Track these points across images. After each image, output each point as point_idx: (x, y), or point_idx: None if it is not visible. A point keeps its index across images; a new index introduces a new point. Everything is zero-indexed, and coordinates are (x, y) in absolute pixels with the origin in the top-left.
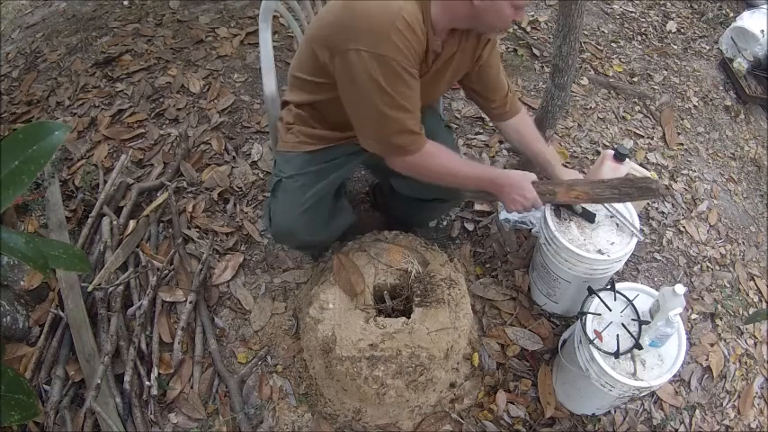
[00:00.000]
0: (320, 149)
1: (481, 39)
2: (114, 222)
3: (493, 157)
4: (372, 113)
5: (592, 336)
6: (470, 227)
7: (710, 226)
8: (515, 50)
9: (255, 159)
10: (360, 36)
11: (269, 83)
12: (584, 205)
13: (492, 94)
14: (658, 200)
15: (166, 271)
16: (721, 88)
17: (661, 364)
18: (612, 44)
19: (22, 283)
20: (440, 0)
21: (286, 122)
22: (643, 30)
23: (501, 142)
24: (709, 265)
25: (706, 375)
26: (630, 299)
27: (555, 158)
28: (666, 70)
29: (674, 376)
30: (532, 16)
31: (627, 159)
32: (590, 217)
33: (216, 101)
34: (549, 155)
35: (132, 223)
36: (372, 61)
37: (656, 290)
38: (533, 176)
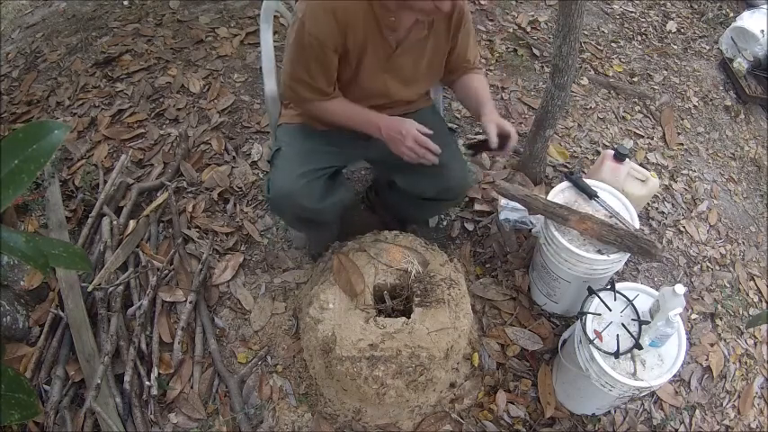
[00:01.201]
0: (319, 131)
1: (452, 23)
2: (114, 222)
3: (493, 156)
4: (288, 63)
5: (592, 336)
6: (470, 227)
7: (710, 226)
8: (515, 50)
9: (255, 159)
10: (303, 8)
11: (270, 83)
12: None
13: (453, 74)
14: (653, 260)
15: (166, 271)
16: (721, 88)
17: (661, 364)
18: (612, 44)
19: (22, 283)
20: None
21: (285, 104)
22: (643, 30)
23: None
24: (709, 265)
25: (706, 375)
26: (630, 299)
27: (488, 105)
28: (666, 70)
29: (674, 376)
30: (532, 16)
31: (627, 159)
32: (590, 192)
33: (216, 101)
34: (483, 102)
35: (132, 223)
36: (295, 29)
37: (656, 290)
38: (412, 121)
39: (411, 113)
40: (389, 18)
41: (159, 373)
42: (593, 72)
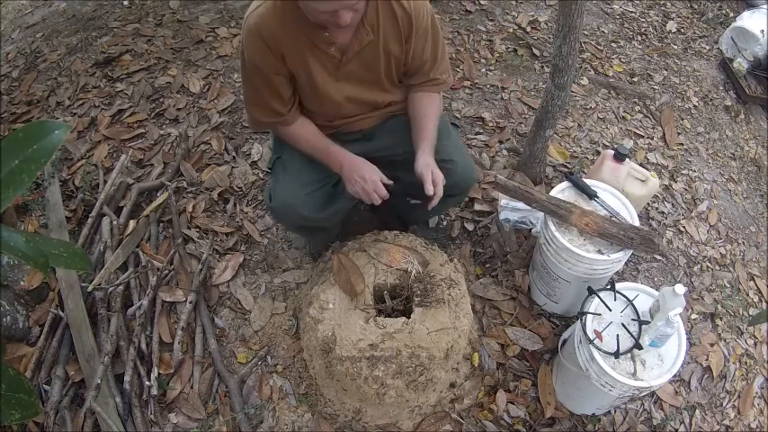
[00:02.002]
0: None
1: (401, 27)
2: (114, 222)
3: (493, 156)
4: (243, 87)
5: (592, 336)
6: (470, 227)
7: (710, 226)
8: (515, 50)
9: (255, 159)
10: (242, 31)
11: None
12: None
13: (408, 78)
14: (655, 254)
15: (166, 271)
16: (721, 88)
17: (661, 364)
18: (612, 44)
19: (22, 283)
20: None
21: None
22: (643, 30)
23: (501, 142)
24: (709, 265)
25: (706, 375)
26: (630, 299)
27: (427, 144)
28: (666, 70)
29: (674, 376)
30: (532, 16)
31: (627, 159)
32: (590, 192)
33: (216, 101)
34: (425, 135)
35: (132, 223)
36: (240, 55)
37: (656, 290)
38: (376, 169)
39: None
40: (323, 34)
41: (159, 373)
42: (593, 72)
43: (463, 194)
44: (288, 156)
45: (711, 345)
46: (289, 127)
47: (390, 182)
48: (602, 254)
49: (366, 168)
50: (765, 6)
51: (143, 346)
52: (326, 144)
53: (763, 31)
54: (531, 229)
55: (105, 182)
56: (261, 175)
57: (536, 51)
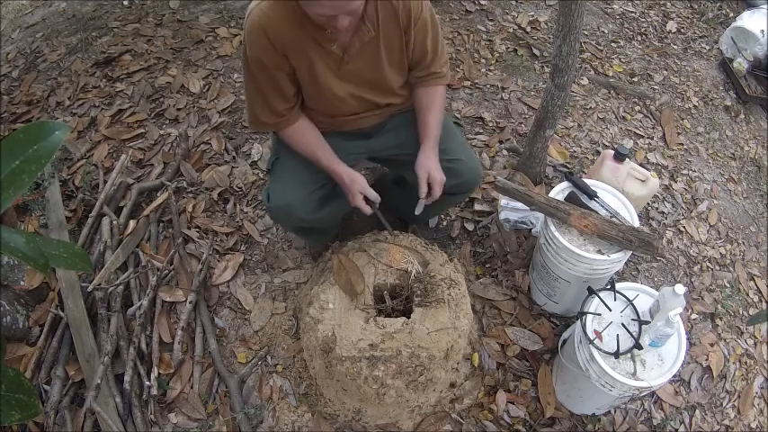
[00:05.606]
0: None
1: (400, 20)
2: (114, 222)
3: (493, 156)
4: (245, 88)
5: (592, 336)
6: (470, 227)
7: (710, 226)
8: (515, 50)
9: (255, 159)
10: (244, 28)
11: None
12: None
13: (413, 71)
14: (654, 257)
15: (166, 271)
16: (721, 88)
17: (661, 364)
18: (612, 44)
19: (22, 283)
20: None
21: None
22: (643, 30)
23: (501, 142)
24: (709, 265)
25: (706, 375)
26: (630, 299)
27: (429, 141)
28: (666, 70)
29: (674, 376)
30: (532, 16)
31: (627, 159)
32: (590, 192)
33: (216, 101)
34: (428, 131)
35: (132, 223)
36: (242, 53)
37: (656, 290)
38: (363, 181)
39: (411, 111)
40: (325, 32)
41: (159, 373)
42: (593, 72)
43: (469, 192)
44: (287, 156)
45: (711, 345)
46: (291, 128)
47: (377, 199)
48: (603, 254)
49: (352, 190)
50: (765, 6)
51: (143, 346)
52: (333, 161)
53: (763, 31)
54: (531, 229)
55: (105, 182)
56: (261, 175)
57: (536, 51)
